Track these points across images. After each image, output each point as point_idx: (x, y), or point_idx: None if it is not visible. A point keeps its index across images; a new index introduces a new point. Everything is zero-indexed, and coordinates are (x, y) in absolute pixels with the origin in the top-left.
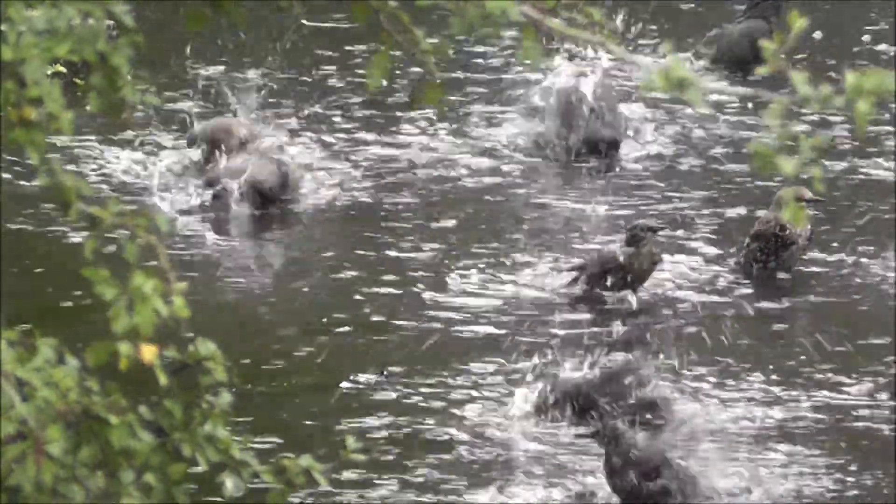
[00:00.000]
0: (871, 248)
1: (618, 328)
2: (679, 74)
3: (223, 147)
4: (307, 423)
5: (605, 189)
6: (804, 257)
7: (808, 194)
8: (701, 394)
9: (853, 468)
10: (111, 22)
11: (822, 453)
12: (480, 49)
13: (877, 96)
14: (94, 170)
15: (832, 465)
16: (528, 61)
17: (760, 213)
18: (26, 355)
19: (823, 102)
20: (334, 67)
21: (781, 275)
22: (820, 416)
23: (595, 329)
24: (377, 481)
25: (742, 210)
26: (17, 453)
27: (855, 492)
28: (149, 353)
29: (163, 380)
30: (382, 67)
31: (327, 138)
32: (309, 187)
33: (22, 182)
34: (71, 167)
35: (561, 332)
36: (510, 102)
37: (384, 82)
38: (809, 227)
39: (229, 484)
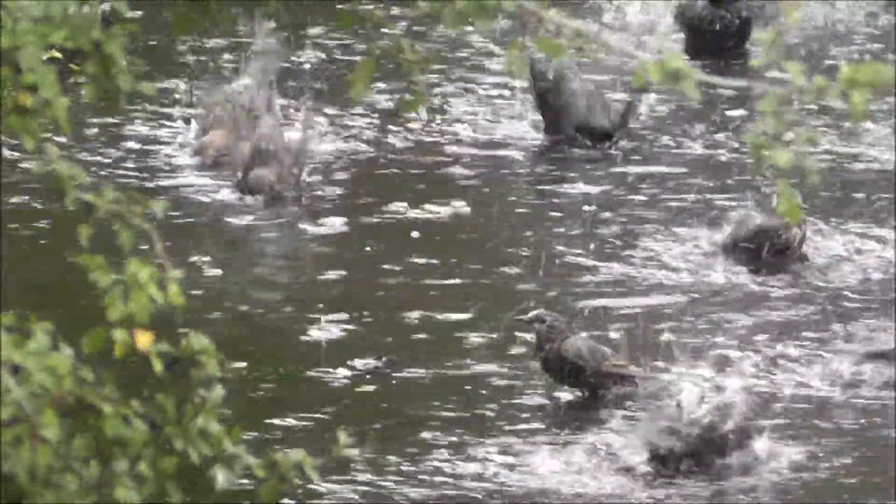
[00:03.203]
0: (870, 232)
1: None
2: (674, 66)
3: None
4: (302, 413)
5: (602, 178)
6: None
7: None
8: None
9: (853, 452)
10: (106, 8)
11: (822, 439)
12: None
13: (873, 88)
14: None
15: (831, 449)
16: (513, 72)
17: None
18: (22, 340)
19: (818, 94)
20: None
21: (777, 262)
22: (817, 403)
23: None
24: (374, 471)
25: (736, 198)
26: (13, 437)
27: (854, 474)
28: (144, 339)
29: (158, 367)
30: (367, 77)
31: (327, 120)
32: (309, 172)
33: (18, 163)
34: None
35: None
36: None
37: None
38: (803, 227)
39: (220, 477)
